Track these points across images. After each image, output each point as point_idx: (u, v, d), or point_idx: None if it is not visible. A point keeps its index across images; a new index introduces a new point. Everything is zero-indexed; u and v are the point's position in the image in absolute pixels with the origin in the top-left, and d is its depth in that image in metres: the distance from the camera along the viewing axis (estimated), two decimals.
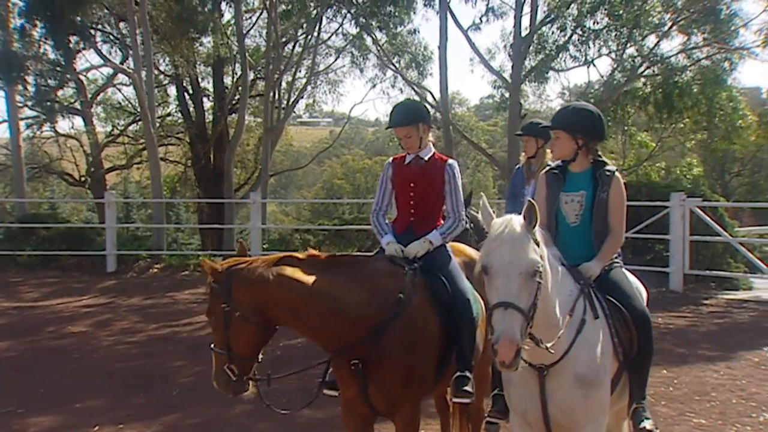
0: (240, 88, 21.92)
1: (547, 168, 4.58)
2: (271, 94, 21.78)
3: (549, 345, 3.62)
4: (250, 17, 23.19)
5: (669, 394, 7.57)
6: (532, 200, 3.58)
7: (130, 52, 18.54)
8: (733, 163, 36.67)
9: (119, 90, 28.17)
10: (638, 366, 4.20)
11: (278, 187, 62.05)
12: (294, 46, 21.67)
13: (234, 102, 24.92)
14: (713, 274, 13.57)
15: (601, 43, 18.39)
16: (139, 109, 27.26)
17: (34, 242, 16.51)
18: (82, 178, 27.70)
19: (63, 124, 32.41)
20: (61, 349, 9.32)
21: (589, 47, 18.28)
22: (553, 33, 18.59)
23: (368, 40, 21.01)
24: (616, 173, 4.40)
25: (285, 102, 22.48)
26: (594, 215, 4.35)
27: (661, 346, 9.55)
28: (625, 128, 19.68)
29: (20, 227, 16.90)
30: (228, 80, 26.24)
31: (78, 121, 27.66)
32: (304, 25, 20.84)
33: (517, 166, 7.37)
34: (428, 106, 5.02)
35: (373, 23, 19.66)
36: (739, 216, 22.17)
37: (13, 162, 19.08)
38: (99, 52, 20.40)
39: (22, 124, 25.81)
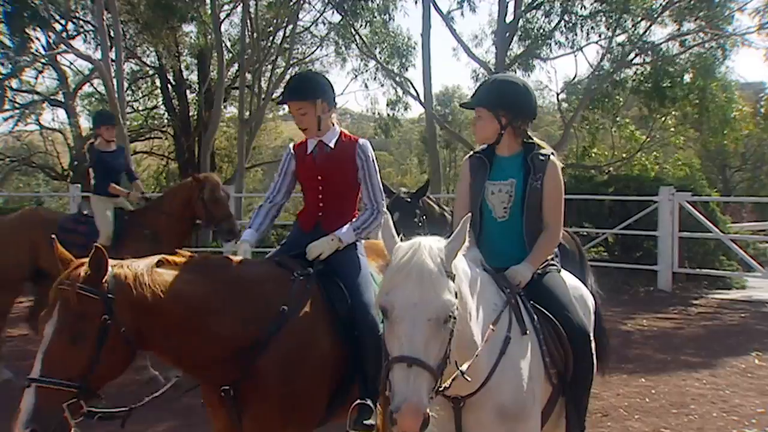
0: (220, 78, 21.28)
1: (471, 152, 3.88)
2: (253, 84, 21.08)
3: (464, 367, 2.90)
4: (231, 6, 22.46)
5: (644, 406, 6.90)
6: (467, 217, 2.87)
7: (98, 39, 17.80)
8: (734, 158, 35.94)
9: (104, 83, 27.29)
10: (575, 390, 3.48)
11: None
12: (273, 36, 20.96)
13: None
14: (703, 272, 12.94)
15: (590, 30, 17.72)
16: (130, 101, 27.38)
17: None
18: (65, 172, 27.06)
19: (46, 117, 31.83)
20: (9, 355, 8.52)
21: (576, 34, 17.61)
22: (538, 19, 17.88)
23: (350, 29, 20.27)
24: (552, 157, 3.68)
25: (268, 95, 21.76)
26: (525, 208, 3.64)
27: (641, 351, 8.94)
28: (616, 119, 18.95)
29: None
30: (214, 72, 25.59)
31: (62, 114, 27.13)
32: (281, 12, 20.06)
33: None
34: (329, 82, 4.25)
35: (352, 9, 18.94)
36: (739, 212, 21.53)
37: None
38: (62, 39, 19.66)
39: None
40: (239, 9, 22.05)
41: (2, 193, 17.09)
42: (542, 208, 3.66)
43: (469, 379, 2.92)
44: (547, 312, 3.47)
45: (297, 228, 4.25)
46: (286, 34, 20.29)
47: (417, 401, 2.56)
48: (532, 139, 3.76)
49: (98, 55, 16.73)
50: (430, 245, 2.80)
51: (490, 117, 3.65)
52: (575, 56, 18.55)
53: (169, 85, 25.46)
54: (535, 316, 3.37)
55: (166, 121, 27.03)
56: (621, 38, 17.70)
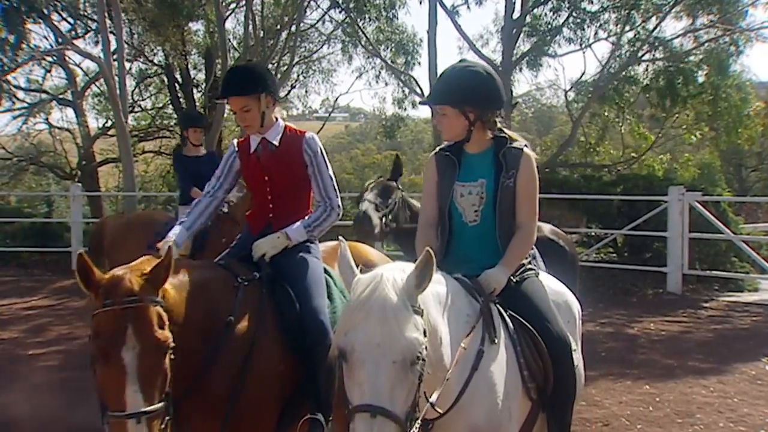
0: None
1: (438, 149, 3.59)
2: None
3: (434, 398, 2.61)
4: (236, 4, 22.23)
5: (648, 416, 6.60)
6: (430, 250, 2.53)
7: (99, 35, 17.63)
8: (750, 158, 35.35)
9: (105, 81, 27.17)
10: (557, 406, 3.18)
11: None
12: (279, 34, 20.69)
13: None
14: (714, 274, 12.55)
15: (598, 26, 17.31)
16: (138, 100, 27.28)
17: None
18: (73, 172, 26.95)
19: (55, 116, 31.76)
20: None
21: (584, 30, 17.21)
22: (545, 15, 17.50)
23: (355, 27, 19.99)
24: (526, 150, 3.37)
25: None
26: (498, 210, 3.33)
27: (647, 356, 8.63)
28: (626, 118, 18.55)
29: None
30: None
31: (70, 113, 27.02)
32: (290, 10, 19.82)
33: None
34: (272, 74, 3.98)
35: (357, 7, 18.68)
36: (755, 212, 21.07)
37: None
38: (63, 36, 19.52)
39: (7, 115, 25.56)
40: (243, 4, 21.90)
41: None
42: (515, 206, 3.36)
43: (440, 411, 2.63)
44: (524, 321, 3.17)
45: (247, 230, 3.98)
46: (293, 32, 20.01)
47: None
48: (504, 131, 3.46)
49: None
50: (393, 278, 2.51)
51: (456, 114, 3.33)
52: (584, 53, 18.22)
53: (176, 84, 25.30)
54: (512, 326, 3.08)
55: (173, 120, 26.88)
56: (630, 34, 17.33)
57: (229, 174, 3.94)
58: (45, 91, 25.95)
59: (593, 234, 14.11)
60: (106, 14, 15.86)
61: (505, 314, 3.12)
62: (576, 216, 13.90)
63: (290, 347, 3.44)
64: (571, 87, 18.78)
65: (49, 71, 25.53)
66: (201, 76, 25.72)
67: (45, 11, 16.84)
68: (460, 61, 3.52)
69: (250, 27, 18.47)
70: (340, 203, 3.93)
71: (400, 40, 20.29)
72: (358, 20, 19.35)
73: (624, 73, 17.28)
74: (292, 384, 3.42)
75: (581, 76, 18.29)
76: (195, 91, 25.70)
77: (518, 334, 3.10)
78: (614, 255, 14.37)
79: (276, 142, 3.84)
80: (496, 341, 2.95)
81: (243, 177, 3.97)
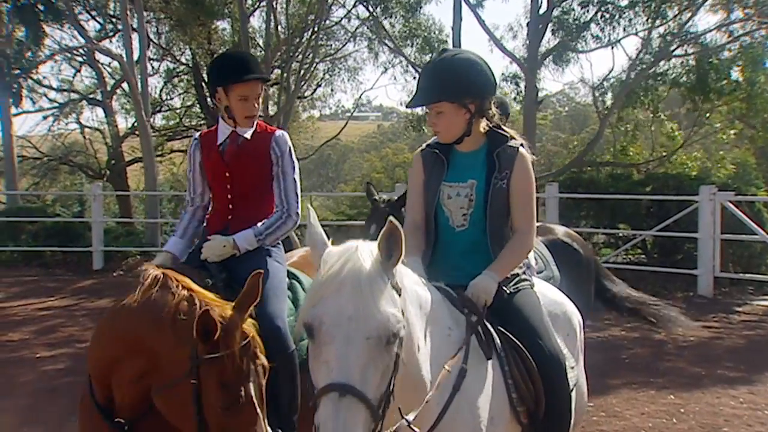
0: None
1: (424, 145, 3.29)
2: (283, 80, 20.74)
3: (411, 417, 2.33)
4: (258, 1, 22.11)
5: (671, 428, 6.25)
6: (393, 220, 2.25)
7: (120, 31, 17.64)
8: None
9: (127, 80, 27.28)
10: (550, 431, 2.89)
11: (324, 181, 61.57)
12: (304, 32, 20.55)
13: None
14: (747, 277, 12.07)
15: (627, 22, 16.82)
16: (166, 99, 27.39)
17: (23, 238, 15.71)
18: (102, 171, 27.10)
19: (85, 116, 32.04)
20: None
21: (613, 26, 16.72)
22: (573, 10, 17.04)
23: (380, 24, 19.74)
24: (521, 150, 3.06)
25: (296, 89, 21.36)
26: (488, 214, 3.03)
27: (673, 364, 8.24)
28: (656, 115, 18.03)
29: (8, 221, 16.10)
30: None
31: (101, 113, 27.20)
32: (315, 7, 19.65)
33: None
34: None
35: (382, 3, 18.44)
36: None
37: (4, 153, 18.38)
38: (84, 33, 19.60)
39: (39, 115, 25.83)
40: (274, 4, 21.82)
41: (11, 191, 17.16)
42: (510, 210, 3.06)
43: (417, 430, 2.34)
44: (513, 337, 2.87)
45: (205, 234, 3.69)
46: (317, 29, 19.85)
47: None
48: (501, 128, 3.16)
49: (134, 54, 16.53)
50: (369, 249, 2.24)
51: (455, 109, 3.02)
52: (612, 49, 17.75)
53: (203, 83, 25.30)
54: (499, 342, 2.78)
55: (201, 119, 26.91)
56: (661, 29, 16.82)
57: (197, 173, 3.69)
58: (75, 91, 26.21)
59: (621, 235, 13.69)
60: (128, 13, 15.78)
61: (492, 330, 2.83)
62: (604, 216, 13.50)
63: None
64: (599, 84, 18.33)
65: (79, 71, 25.72)
66: None
67: (67, 11, 16.78)
68: (441, 51, 3.21)
69: (274, 25, 18.28)
70: (299, 210, 3.64)
71: (425, 36, 20.01)
72: (382, 17, 19.08)
73: (654, 69, 16.77)
74: None
75: (609, 73, 17.86)
76: None
77: (506, 352, 2.81)
78: (643, 256, 13.93)
79: (247, 136, 3.58)
80: (490, 358, 2.67)
81: (204, 171, 3.70)
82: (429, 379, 2.47)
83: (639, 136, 20.08)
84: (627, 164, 17.26)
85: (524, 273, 3.17)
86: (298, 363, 3.27)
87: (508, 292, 3.01)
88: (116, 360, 2.80)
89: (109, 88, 25.88)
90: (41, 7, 16.08)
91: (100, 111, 27.02)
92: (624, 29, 17.15)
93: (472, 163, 3.09)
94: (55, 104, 26.22)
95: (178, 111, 28.43)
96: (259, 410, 2.59)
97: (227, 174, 3.55)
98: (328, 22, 20.69)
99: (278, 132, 3.63)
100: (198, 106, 26.43)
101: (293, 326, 3.42)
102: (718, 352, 8.69)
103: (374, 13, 18.92)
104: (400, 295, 2.28)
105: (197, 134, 3.75)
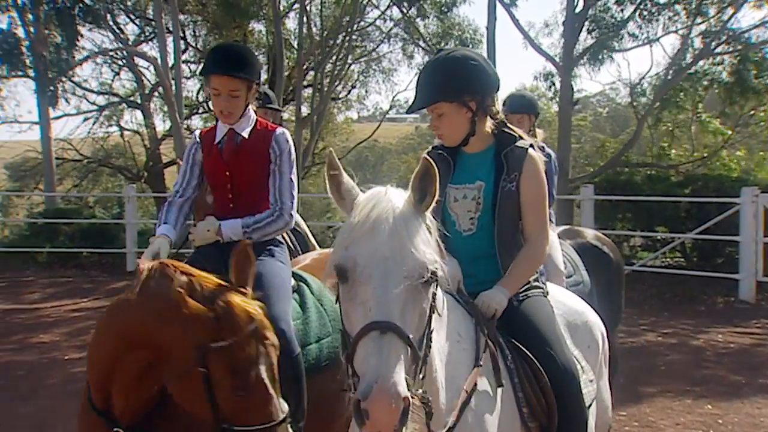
0: (291, 76, 21.09)
1: (431, 147, 3.15)
2: (316, 82, 20.76)
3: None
4: (291, 3, 22.14)
5: None
6: (428, 158, 2.20)
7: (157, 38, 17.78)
8: None
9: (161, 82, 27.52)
10: None
11: (361, 182, 61.54)
12: (338, 33, 20.52)
13: (290, 92, 24.04)
14: None
15: (666, 20, 16.42)
16: (204, 101, 27.62)
17: (60, 239, 15.90)
18: (140, 173, 27.39)
19: (125, 118, 32.49)
20: (5, 365, 8.18)
21: (651, 24, 16.34)
22: (610, 8, 16.66)
23: (413, 24, 19.62)
24: (530, 151, 2.91)
25: (329, 90, 21.35)
26: (497, 218, 2.88)
27: (712, 371, 7.97)
28: (697, 115, 17.57)
29: (46, 223, 16.32)
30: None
31: (140, 116, 27.50)
32: (349, 8, 19.63)
33: None
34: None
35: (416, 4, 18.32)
36: None
37: (43, 156, 18.67)
38: (115, 33, 19.81)
39: (80, 118, 26.20)
40: (308, 3, 21.86)
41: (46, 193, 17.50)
42: (520, 215, 2.91)
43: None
44: (522, 348, 2.71)
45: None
46: (352, 29, 19.81)
47: (394, 379, 1.88)
48: (510, 127, 3.01)
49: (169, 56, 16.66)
50: (399, 191, 2.21)
51: (456, 108, 2.90)
52: (650, 47, 17.33)
53: None
54: (509, 354, 2.63)
55: None
56: (702, 27, 16.38)
57: (194, 167, 3.58)
58: (115, 94, 26.55)
59: (659, 238, 13.36)
60: (163, 16, 15.89)
61: (501, 340, 2.68)
62: (641, 218, 13.19)
63: None
64: (637, 83, 17.96)
65: (118, 74, 26.03)
66: (264, 76, 25.90)
67: (104, 13, 17.00)
68: (437, 52, 3.10)
69: (307, 26, 18.28)
70: (293, 211, 3.54)
71: (460, 36, 19.84)
72: (416, 18, 18.94)
73: (694, 68, 16.35)
74: None
75: (647, 72, 17.45)
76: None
77: (516, 364, 2.65)
78: (682, 260, 13.57)
79: (245, 135, 3.48)
80: (502, 385, 2.52)
81: (204, 172, 3.60)
82: (441, 381, 2.36)
83: (681, 137, 19.64)
84: (665, 165, 16.86)
85: (535, 280, 3.00)
86: (304, 367, 3.18)
87: (516, 299, 2.86)
88: (117, 358, 2.70)
89: (147, 91, 26.17)
90: (78, 10, 16.27)
91: (139, 114, 27.35)
92: (663, 27, 16.77)
93: (479, 164, 2.96)
94: (95, 107, 26.61)
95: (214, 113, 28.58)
96: (272, 390, 2.54)
97: (227, 173, 3.47)
98: (362, 23, 20.62)
99: (279, 130, 3.53)
100: None
101: (300, 329, 3.35)
102: (760, 360, 8.38)
103: (408, 14, 18.75)
104: (432, 236, 2.22)
105: (197, 133, 3.66)
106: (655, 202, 12.64)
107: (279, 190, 3.48)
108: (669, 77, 16.37)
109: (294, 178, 3.54)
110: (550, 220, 5.39)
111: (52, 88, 16.66)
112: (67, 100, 20.60)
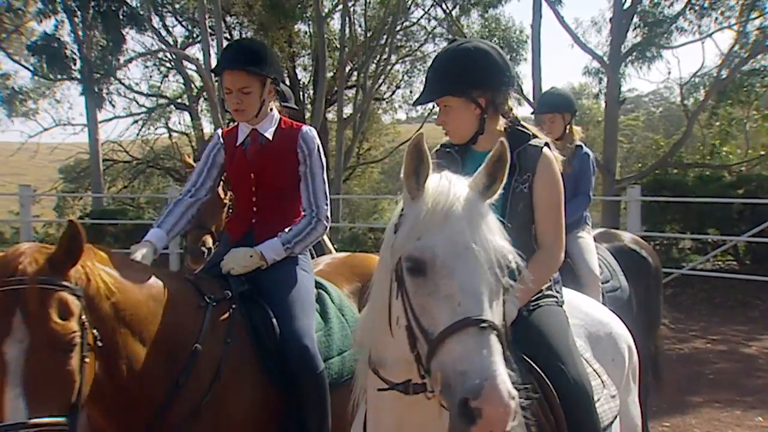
0: (336, 76, 21.08)
1: (439, 145, 2.96)
2: (359, 82, 20.74)
3: None
4: (334, 3, 22.17)
5: None
6: (505, 142, 2.11)
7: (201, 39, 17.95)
8: None
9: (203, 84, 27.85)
10: None
11: (389, 183, 61.46)
12: (382, 32, 20.45)
13: (334, 92, 24.10)
14: None
15: (720, 15, 15.90)
16: None
17: (105, 240, 16.10)
18: (186, 175, 27.59)
19: (174, 119, 33.01)
20: None
21: (703, 19, 15.84)
22: (659, 3, 16.21)
23: (456, 24, 19.42)
24: (545, 150, 2.70)
25: (372, 90, 21.30)
26: (508, 221, 2.69)
27: (765, 381, 7.62)
28: (753, 113, 16.99)
29: (93, 224, 16.54)
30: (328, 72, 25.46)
31: (188, 118, 27.85)
32: (392, 8, 19.56)
33: None
34: (279, 60, 3.41)
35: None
36: None
37: (91, 158, 18.99)
38: (159, 36, 20.05)
39: (129, 120, 26.65)
40: (352, 5, 21.86)
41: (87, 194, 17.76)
42: (534, 219, 2.71)
43: None
44: (530, 361, 2.51)
45: (225, 239, 3.46)
46: (396, 29, 19.74)
47: (504, 378, 1.77)
48: (523, 125, 2.81)
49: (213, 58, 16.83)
50: (462, 177, 2.09)
51: (464, 103, 2.70)
52: (702, 44, 16.81)
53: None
54: (517, 367, 2.43)
55: None
56: (758, 21, 15.84)
57: (212, 169, 3.39)
58: (164, 96, 26.93)
59: (710, 240, 12.90)
60: (206, 18, 16.04)
61: (507, 353, 2.46)
62: (691, 219, 12.76)
63: (273, 379, 2.94)
64: (688, 81, 17.42)
65: (167, 76, 26.39)
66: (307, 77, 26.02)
67: (150, 17, 17.25)
68: (450, 42, 2.89)
69: (349, 27, 18.26)
70: (329, 213, 3.36)
71: (504, 35, 19.58)
72: (461, 17, 18.75)
73: (749, 64, 15.80)
74: (276, 421, 2.93)
75: (699, 69, 16.91)
76: (303, 93, 25.96)
77: (522, 379, 2.43)
78: (734, 263, 13.10)
79: (269, 136, 3.30)
80: None
81: (226, 173, 3.45)
82: None
83: (737, 136, 19.02)
84: (717, 165, 16.32)
85: (548, 288, 2.78)
86: (329, 383, 3.02)
87: (526, 309, 2.65)
88: None
89: (195, 93, 26.48)
90: (122, 13, 16.51)
91: (187, 115, 27.69)
92: (716, 22, 16.25)
93: None
94: (144, 109, 27.03)
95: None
96: (11, 381, 2.15)
97: (251, 175, 3.29)
98: (406, 23, 20.53)
99: (305, 128, 3.34)
100: None
101: (322, 341, 3.18)
102: None
103: (451, 14, 18.57)
104: None
105: (219, 132, 3.49)
106: (706, 204, 12.21)
107: (313, 193, 3.30)
108: (722, 74, 15.85)
109: (325, 177, 3.37)
110: (585, 222, 5.20)
111: (97, 89, 16.91)
112: (111, 103, 20.86)
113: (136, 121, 26.69)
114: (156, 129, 28.38)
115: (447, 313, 1.87)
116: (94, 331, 2.38)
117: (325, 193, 3.33)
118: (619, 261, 5.17)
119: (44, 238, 18.42)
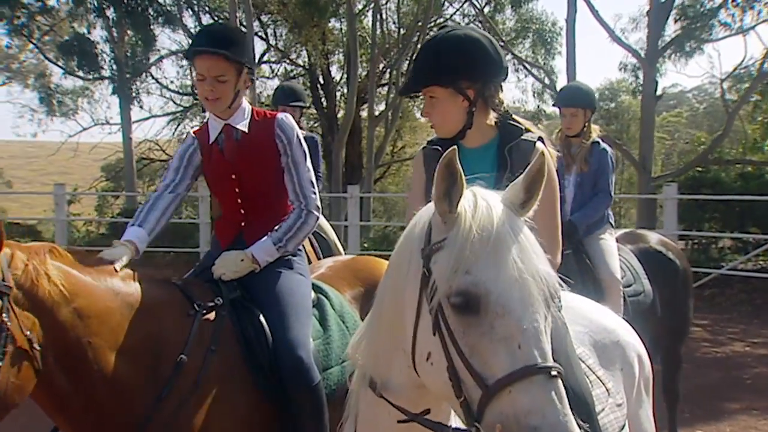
0: (367, 75, 21.02)
1: (426, 142, 2.76)
2: (391, 80, 20.64)
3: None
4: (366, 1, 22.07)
5: None
6: (545, 151, 2.05)
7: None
8: None
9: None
10: None
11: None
12: (414, 30, 20.31)
13: (367, 91, 24.01)
14: None
15: (762, 6, 15.36)
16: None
17: None
18: None
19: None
20: None
21: (745, 11, 15.33)
22: None
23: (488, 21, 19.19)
24: (539, 144, 2.48)
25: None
26: None
27: None
28: None
29: (125, 222, 16.66)
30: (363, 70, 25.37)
31: None
32: (425, 4, 19.41)
33: None
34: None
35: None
36: None
37: (124, 157, 19.17)
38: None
39: (165, 119, 26.93)
40: (385, 4, 21.75)
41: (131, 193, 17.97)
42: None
43: None
44: None
45: (215, 243, 3.26)
46: (429, 25, 19.58)
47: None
48: (515, 118, 2.60)
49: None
50: (495, 193, 1.88)
51: (451, 95, 2.48)
52: (744, 37, 16.28)
53: (318, 85, 25.55)
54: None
55: (315, 120, 27.18)
56: None
57: (188, 168, 3.17)
58: (195, 95, 27.11)
59: (750, 239, 12.48)
60: (237, 16, 16.06)
61: None
62: (731, 217, 12.37)
63: (266, 392, 2.77)
64: (729, 74, 16.90)
65: (147, 69, 26.51)
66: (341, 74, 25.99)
67: (180, 16, 17.35)
68: (441, 28, 2.70)
69: (380, 24, 18.16)
70: (318, 203, 3.16)
71: (538, 31, 19.24)
72: (494, 14, 18.51)
73: None
74: None
75: (741, 63, 16.38)
76: (336, 91, 25.91)
77: None
78: None
79: (244, 129, 3.08)
80: None
81: (204, 177, 3.22)
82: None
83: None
84: (759, 162, 15.82)
85: None
86: (325, 393, 2.85)
87: None
88: None
89: None
90: (152, 11, 16.58)
91: None
92: (759, 14, 15.73)
93: (480, 161, 2.50)
94: (180, 108, 27.25)
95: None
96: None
97: (233, 176, 3.10)
98: (439, 20, 20.33)
99: (280, 116, 3.11)
100: (313, 107, 26.72)
101: (321, 350, 2.99)
102: None
103: (482, 10, 18.34)
104: None
105: (191, 133, 3.26)
106: (746, 201, 11.80)
107: (299, 184, 3.10)
108: (765, 67, 15.35)
109: (309, 165, 3.16)
110: (608, 221, 4.98)
111: (128, 88, 17.04)
112: (140, 103, 21.00)
113: (172, 120, 26.98)
114: (192, 128, 28.57)
115: (506, 357, 1.68)
116: (28, 333, 2.26)
117: (312, 182, 3.13)
118: (643, 264, 4.92)
119: (85, 236, 18.70)
